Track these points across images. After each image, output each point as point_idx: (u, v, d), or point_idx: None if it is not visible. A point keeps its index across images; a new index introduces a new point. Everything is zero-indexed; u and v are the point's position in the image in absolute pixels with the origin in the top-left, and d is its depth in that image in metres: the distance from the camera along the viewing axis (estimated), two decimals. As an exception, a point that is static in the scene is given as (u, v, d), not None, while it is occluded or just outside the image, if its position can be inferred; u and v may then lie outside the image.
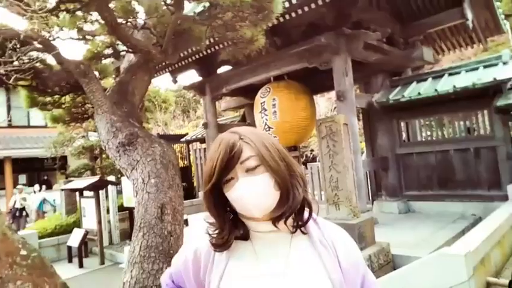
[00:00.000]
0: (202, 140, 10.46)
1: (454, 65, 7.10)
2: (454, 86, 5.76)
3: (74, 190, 7.58)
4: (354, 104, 6.14)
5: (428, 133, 7.44)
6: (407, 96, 6.30)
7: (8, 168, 16.44)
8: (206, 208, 0.91)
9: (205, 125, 8.85)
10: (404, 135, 7.50)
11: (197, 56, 6.89)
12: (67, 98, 4.62)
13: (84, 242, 7.18)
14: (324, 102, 18.25)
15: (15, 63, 3.47)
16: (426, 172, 6.81)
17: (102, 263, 7.00)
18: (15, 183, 16.90)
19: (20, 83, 3.90)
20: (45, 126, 11.19)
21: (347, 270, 0.90)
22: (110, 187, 7.81)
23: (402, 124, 7.28)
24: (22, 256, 0.89)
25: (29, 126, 17.12)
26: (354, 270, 0.92)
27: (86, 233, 7.13)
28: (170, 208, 2.95)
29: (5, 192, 16.46)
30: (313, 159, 13.81)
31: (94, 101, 3.33)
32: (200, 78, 8.57)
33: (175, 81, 9.42)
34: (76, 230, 7.39)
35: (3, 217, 0.87)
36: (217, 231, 0.91)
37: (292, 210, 0.87)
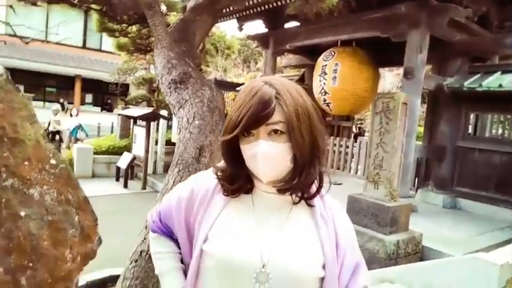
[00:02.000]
0: (256, 93, 10.43)
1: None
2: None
3: (129, 117, 8.05)
4: (421, 84, 5.68)
5: (499, 131, 6.77)
6: (485, 86, 5.69)
7: (77, 86, 17.76)
8: (221, 153, 0.89)
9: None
10: (470, 127, 6.91)
11: (266, 7, 6.65)
12: (133, 28, 4.77)
13: (131, 165, 7.74)
14: (391, 78, 17.18)
15: (91, -15, 3.58)
16: (485, 171, 6.29)
17: (144, 188, 7.55)
18: (83, 100, 18.34)
19: (93, 6, 4.05)
20: (114, 53, 11.77)
21: (343, 250, 0.87)
22: (161, 120, 8.20)
23: (472, 116, 6.67)
24: (51, 164, 0.95)
25: (100, 50, 18.10)
26: (350, 253, 0.89)
27: (134, 158, 7.65)
28: (208, 151, 3.02)
29: (73, 107, 17.88)
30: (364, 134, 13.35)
31: (155, 34, 3.37)
32: (266, 30, 8.36)
33: (240, 29, 9.29)
34: (125, 153, 7.96)
35: (39, 126, 0.91)
36: (226, 177, 0.89)
37: (300, 187, 0.85)
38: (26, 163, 0.91)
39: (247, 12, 7.17)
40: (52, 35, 15.31)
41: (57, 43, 16.76)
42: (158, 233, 1.02)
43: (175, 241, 1.00)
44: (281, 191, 0.85)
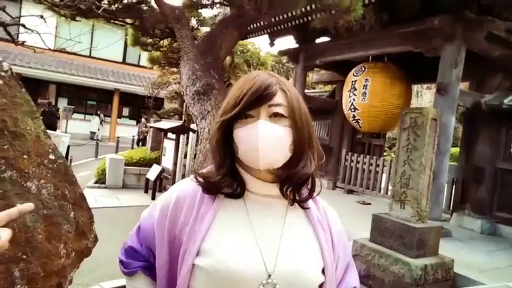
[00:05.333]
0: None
1: None
2: None
3: (160, 130, 8.27)
4: (455, 100, 5.43)
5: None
6: (526, 104, 5.36)
7: (115, 99, 18.54)
8: (211, 142, 0.84)
9: (291, 94, 8.75)
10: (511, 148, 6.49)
11: (295, 22, 6.69)
12: (165, 42, 4.95)
13: (160, 178, 7.89)
14: (429, 96, 16.62)
15: (125, 1, 3.77)
16: (529, 196, 5.86)
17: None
18: (120, 114, 19.12)
19: (127, 20, 4.25)
20: (151, 68, 12.29)
21: (337, 252, 0.87)
22: (191, 134, 8.35)
23: (513, 135, 6.27)
24: (50, 159, 0.97)
25: (138, 65, 18.90)
26: (343, 254, 0.89)
27: (163, 170, 7.82)
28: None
29: (110, 120, 18.67)
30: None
31: (182, 47, 3.49)
32: (296, 46, 8.39)
33: (272, 44, 9.40)
34: (155, 165, 8.15)
35: (40, 121, 0.94)
36: (211, 173, 0.83)
37: (297, 179, 0.81)
38: (25, 157, 0.94)
39: (277, 27, 7.25)
40: (96, 51, 16.24)
41: (99, 58, 17.77)
42: (132, 269, 0.90)
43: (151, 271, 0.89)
44: (282, 182, 0.81)
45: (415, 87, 18.55)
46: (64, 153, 9.07)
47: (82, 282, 3.22)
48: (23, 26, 3.05)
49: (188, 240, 0.80)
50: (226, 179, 0.81)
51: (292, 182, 0.81)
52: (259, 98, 0.76)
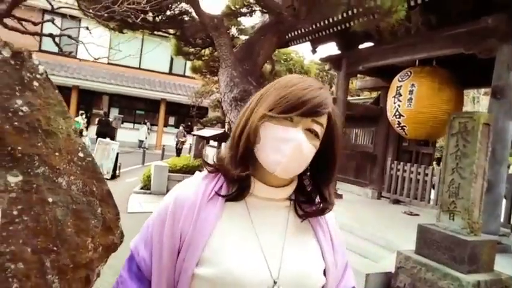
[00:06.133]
0: (328, 116, 10.26)
1: None
2: None
3: (202, 137, 8.48)
4: (513, 105, 5.03)
5: None
6: None
7: (162, 109, 19.33)
8: (239, 132, 0.80)
9: (334, 101, 8.56)
10: None
11: (337, 28, 6.59)
12: (207, 51, 5.09)
13: (202, 184, 8.07)
14: (487, 102, 15.54)
15: (168, 13, 3.94)
16: None
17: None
18: (166, 122, 19.89)
19: (170, 31, 4.43)
20: (195, 78, 12.68)
21: (337, 252, 0.87)
22: (232, 141, 8.48)
23: None
24: (79, 157, 1.02)
25: (184, 76, 19.60)
26: (341, 255, 0.89)
27: (205, 176, 7.98)
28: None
29: (157, 128, 19.48)
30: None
31: (220, 54, 3.56)
32: (338, 52, 8.26)
33: (314, 51, 9.33)
34: (197, 172, 8.32)
35: (71, 121, 1.00)
36: (223, 162, 0.81)
37: (301, 193, 0.85)
38: (56, 154, 1.00)
39: (318, 34, 7.18)
40: (144, 62, 17.12)
41: (147, 70, 18.68)
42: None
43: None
44: (292, 199, 0.84)
45: (471, 93, 17.45)
46: (113, 160, 9.59)
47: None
48: (75, 39, 3.30)
49: (187, 248, 0.76)
50: (237, 172, 0.78)
51: (299, 195, 0.85)
52: (314, 111, 0.75)
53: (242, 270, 0.73)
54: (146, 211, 7.12)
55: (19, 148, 0.97)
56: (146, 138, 18.38)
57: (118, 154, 9.67)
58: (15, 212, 0.95)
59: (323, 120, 0.77)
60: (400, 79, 6.76)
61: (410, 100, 6.42)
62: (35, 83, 1.01)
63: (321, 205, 0.84)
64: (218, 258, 0.74)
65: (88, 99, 18.28)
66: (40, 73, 1.03)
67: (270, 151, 0.75)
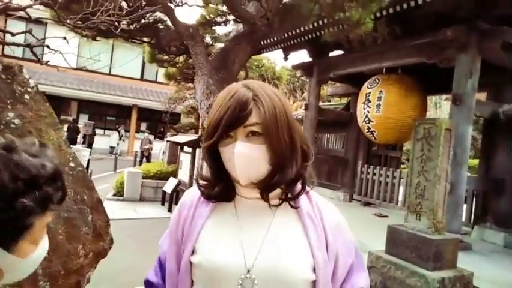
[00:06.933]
0: (300, 121, 10.47)
1: None
2: None
3: (176, 143, 8.44)
4: (471, 110, 5.37)
5: None
6: (545, 113, 5.25)
7: (134, 115, 18.98)
8: (204, 159, 0.90)
9: (306, 107, 8.81)
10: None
11: (308, 37, 6.80)
12: (181, 58, 5.12)
13: (176, 190, 8.01)
14: (448, 107, 16.33)
15: (142, 21, 3.95)
16: (553, 208, 5.67)
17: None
18: (138, 128, 19.55)
19: (144, 39, 4.44)
20: (168, 84, 12.60)
21: (334, 249, 0.86)
22: (207, 147, 8.48)
23: (534, 146, 6.12)
24: (70, 167, 1.06)
25: (156, 82, 19.36)
26: (343, 251, 0.87)
27: (179, 183, 7.94)
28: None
29: (129, 134, 19.07)
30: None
31: (196, 62, 3.62)
32: (310, 59, 8.49)
33: (286, 59, 9.52)
34: (171, 178, 8.28)
35: (61, 132, 1.03)
36: (206, 182, 0.91)
37: (279, 185, 0.84)
38: (48, 164, 1.04)
39: (290, 42, 7.37)
40: (114, 68, 16.78)
41: (118, 76, 18.32)
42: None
43: None
44: (263, 191, 0.84)
45: (433, 99, 18.29)
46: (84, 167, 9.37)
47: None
48: (48, 47, 3.25)
49: (185, 241, 0.89)
50: (220, 186, 0.88)
51: (275, 188, 0.84)
52: (235, 121, 0.79)
53: (221, 259, 0.83)
54: (120, 218, 6.99)
55: (11, 159, 0.99)
56: (118, 144, 17.98)
57: (89, 161, 9.43)
58: (8, 221, 0.97)
59: (254, 118, 0.80)
60: (369, 86, 7.05)
61: (378, 106, 6.71)
62: (26, 96, 1.04)
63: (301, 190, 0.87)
64: (204, 249, 0.85)
65: (56, 105, 17.66)
66: (31, 86, 1.06)
67: (229, 170, 0.84)
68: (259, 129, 0.80)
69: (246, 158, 0.80)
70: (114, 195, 8.80)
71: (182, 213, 0.93)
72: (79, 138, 14.61)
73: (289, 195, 0.87)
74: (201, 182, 0.92)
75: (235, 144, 0.80)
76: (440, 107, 19.64)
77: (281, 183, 0.84)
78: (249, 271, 0.81)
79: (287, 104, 0.87)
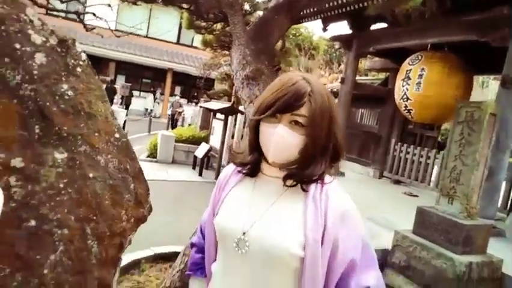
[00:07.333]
0: (336, 94, 10.25)
1: None
2: None
3: (209, 110, 8.55)
4: (522, 94, 5.03)
5: None
6: None
7: (169, 78, 19.25)
8: (247, 131, 1.00)
9: (342, 80, 8.58)
10: None
11: (350, 8, 6.48)
12: (218, 26, 5.07)
13: (207, 156, 8.22)
14: (496, 87, 15.37)
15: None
16: None
17: (216, 177, 7.96)
18: (172, 92, 19.89)
19: (184, 5, 4.42)
20: (203, 49, 12.57)
21: (332, 235, 0.87)
22: (239, 116, 8.54)
23: None
24: (115, 138, 1.12)
25: (192, 46, 19.36)
26: (349, 242, 0.89)
27: (210, 149, 8.12)
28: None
29: (163, 98, 19.46)
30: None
31: (233, 32, 3.58)
32: (349, 31, 8.15)
33: (325, 30, 9.19)
34: (203, 144, 8.48)
35: (108, 104, 1.09)
36: (240, 153, 1.02)
37: (303, 178, 0.91)
38: (96, 134, 1.10)
39: (331, 13, 7.07)
40: (152, 31, 16.90)
41: (155, 39, 18.47)
42: (187, 273, 1.19)
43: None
44: (285, 178, 0.92)
45: (480, 77, 17.22)
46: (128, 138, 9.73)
47: (137, 247, 3.52)
48: (94, 14, 3.32)
49: (214, 206, 1.05)
50: (250, 158, 0.98)
51: (295, 179, 0.91)
52: (288, 106, 0.87)
53: (225, 222, 0.97)
54: (152, 179, 7.30)
55: (65, 128, 1.07)
56: (153, 106, 18.40)
57: (125, 122, 9.79)
58: (61, 185, 1.07)
59: (304, 110, 0.87)
60: (410, 63, 6.73)
61: (418, 84, 6.42)
62: (78, 69, 1.10)
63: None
64: (220, 212, 1.00)
65: (95, 65, 18.13)
66: (83, 60, 1.12)
67: (263, 144, 0.93)
68: (304, 122, 0.88)
69: (283, 141, 0.88)
70: (148, 156, 9.14)
71: (219, 185, 1.07)
72: (116, 99, 15.07)
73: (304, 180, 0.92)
74: (234, 151, 1.04)
75: (277, 126, 0.89)
76: (486, 86, 18.51)
77: (305, 177, 0.90)
78: (244, 233, 0.92)
79: (335, 107, 0.94)
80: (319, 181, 0.91)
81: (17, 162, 1.00)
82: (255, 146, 0.96)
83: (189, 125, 13.07)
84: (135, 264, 3.22)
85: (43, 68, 0.99)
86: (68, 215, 1.08)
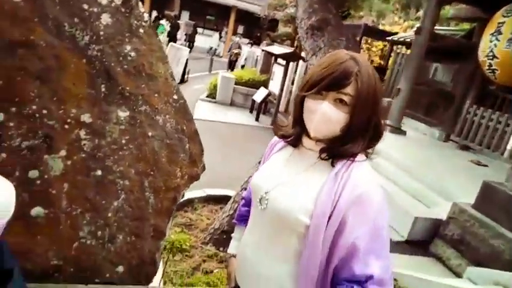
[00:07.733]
0: (408, 45, 9.38)
1: None
2: None
3: (270, 54, 8.35)
4: None
5: None
6: None
7: (232, 17, 18.88)
8: (294, 103, 1.02)
9: (418, 31, 7.76)
10: None
11: None
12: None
13: (265, 101, 8.22)
14: None
15: None
16: None
17: (272, 124, 8.03)
18: (235, 31, 19.61)
19: None
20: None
21: (341, 210, 0.88)
22: (301, 62, 8.27)
23: None
24: (174, 99, 1.15)
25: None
26: (358, 225, 0.88)
27: (269, 94, 8.08)
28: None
29: (226, 37, 19.27)
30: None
31: (302, -25, 3.32)
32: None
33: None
34: (262, 88, 8.44)
35: (168, 65, 1.11)
36: (284, 126, 1.07)
37: (341, 154, 0.93)
38: (156, 95, 1.14)
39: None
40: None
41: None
42: (239, 220, 1.26)
43: None
44: (322, 151, 0.95)
45: None
46: (183, 65, 9.95)
47: (192, 186, 3.76)
48: None
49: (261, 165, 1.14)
50: (293, 131, 1.03)
51: (330, 153, 0.95)
52: (334, 85, 0.90)
53: (258, 178, 1.06)
54: (211, 119, 7.54)
55: (127, 88, 1.12)
56: (218, 45, 18.36)
57: (187, 60, 9.98)
58: (123, 141, 1.15)
59: (350, 89, 0.89)
60: (505, 14, 5.83)
61: (510, 40, 5.61)
62: (141, 30, 1.12)
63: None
64: (258, 170, 1.09)
65: (160, 0, 18.29)
66: (145, 20, 1.13)
67: (306, 119, 0.96)
68: (348, 101, 0.90)
69: (326, 117, 0.91)
70: (207, 96, 9.36)
71: (269, 146, 1.16)
72: (180, 35, 15.20)
73: (332, 155, 0.95)
74: (279, 124, 1.12)
75: (322, 102, 0.92)
76: None
77: (341, 153, 0.93)
78: (266, 193, 0.99)
79: (380, 88, 0.95)
80: (350, 158, 0.94)
81: (86, 117, 1.08)
82: (299, 120, 0.99)
83: (242, 66, 12.91)
84: (189, 203, 3.48)
85: (108, 29, 1.02)
86: (129, 168, 1.17)
